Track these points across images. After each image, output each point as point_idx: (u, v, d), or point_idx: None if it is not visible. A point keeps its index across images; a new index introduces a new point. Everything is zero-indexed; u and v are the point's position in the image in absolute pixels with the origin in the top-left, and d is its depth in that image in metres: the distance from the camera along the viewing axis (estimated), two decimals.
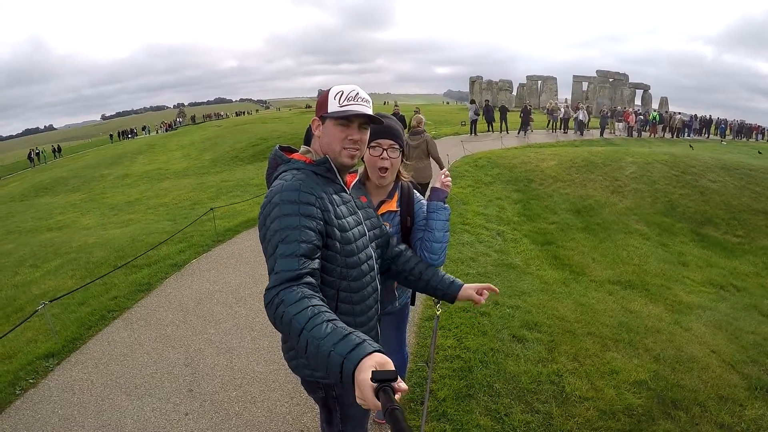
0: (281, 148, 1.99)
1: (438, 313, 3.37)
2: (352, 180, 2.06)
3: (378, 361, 1.20)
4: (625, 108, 37.17)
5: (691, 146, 25.68)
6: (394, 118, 2.44)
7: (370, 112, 1.86)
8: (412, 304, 2.94)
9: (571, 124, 28.44)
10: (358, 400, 1.17)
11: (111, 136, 65.19)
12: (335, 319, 1.38)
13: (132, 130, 66.34)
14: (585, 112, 29.07)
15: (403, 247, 2.29)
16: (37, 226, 14.93)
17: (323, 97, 1.87)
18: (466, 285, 2.22)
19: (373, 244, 2.03)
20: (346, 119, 1.81)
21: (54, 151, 50.93)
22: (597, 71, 52.27)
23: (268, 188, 1.88)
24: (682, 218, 12.79)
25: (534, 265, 7.65)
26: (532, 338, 4.68)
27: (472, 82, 58.24)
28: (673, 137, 32.71)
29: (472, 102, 29.66)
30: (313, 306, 1.41)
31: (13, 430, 3.59)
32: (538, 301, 5.75)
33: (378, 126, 2.14)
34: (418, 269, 2.23)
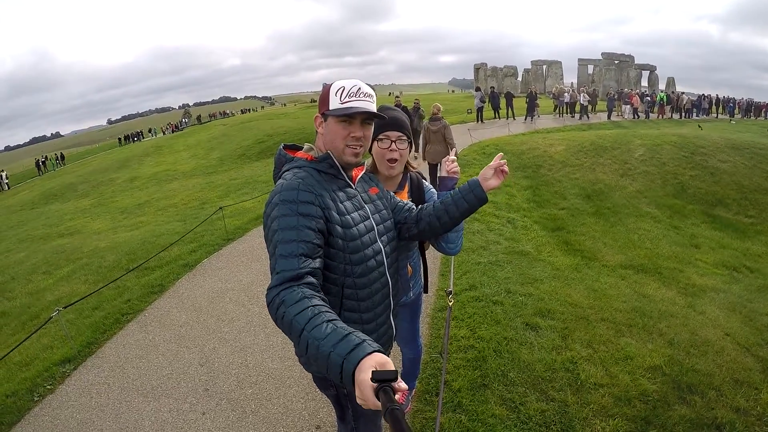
0: (285, 147, 1.99)
1: (450, 304, 3.39)
2: (359, 173, 2.03)
3: (378, 361, 1.20)
4: (630, 90, 36.75)
5: (699, 126, 25.46)
6: (399, 109, 2.43)
7: (372, 107, 1.83)
8: (426, 291, 2.94)
9: (578, 107, 28.24)
10: (358, 400, 1.18)
11: (120, 139, 65.28)
12: (335, 319, 1.38)
13: (139, 133, 66.57)
14: (585, 95, 28.76)
15: (412, 211, 2.17)
16: (48, 233, 14.98)
17: (324, 93, 1.85)
18: (481, 176, 2.08)
19: (384, 238, 1.99)
20: (349, 116, 1.80)
21: (57, 159, 50.70)
22: (602, 54, 51.82)
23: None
24: (693, 200, 12.71)
25: (545, 252, 7.63)
26: (546, 326, 4.67)
27: (477, 69, 57.91)
28: (681, 118, 32.39)
29: (478, 89, 29.51)
30: (313, 306, 1.42)
31: None
32: (551, 287, 5.73)
33: (387, 119, 2.16)
34: (438, 209, 2.08)
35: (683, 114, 32.96)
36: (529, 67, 56.21)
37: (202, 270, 6.91)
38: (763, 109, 39.75)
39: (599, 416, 3.42)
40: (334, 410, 2.35)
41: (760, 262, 9.55)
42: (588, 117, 27.20)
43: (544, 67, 54.92)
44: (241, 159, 24.44)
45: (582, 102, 27.84)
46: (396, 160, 2.35)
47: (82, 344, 4.96)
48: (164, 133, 63.59)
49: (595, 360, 4.14)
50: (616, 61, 50.92)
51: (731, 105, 37.84)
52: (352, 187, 1.93)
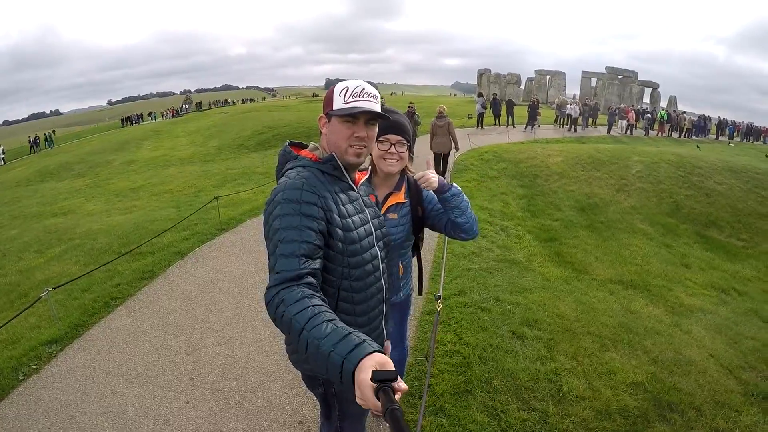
0: (291, 144, 1.99)
1: (439, 308, 3.42)
2: (362, 177, 2.06)
3: (378, 361, 1.21)
4: (626, 105, 36.81)
5: (698, 147, 25.59)
6: (401, 113, 2.46)
7: (376, 107, 1.83)
8: (420, 294, 2.99)
9: (580, 121, 28.33)
10: (358, 400, 1.18)
11: (122, 121, 64.59)
12: (335, 319, 1.39)
13: (139, 116, 66.20)
14: (576, 106, 28.75)
15: None
16: (41, 212, 14.93)
17: (329, 94, 1.86)
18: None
19: (380, 244, 2.02)
20: (352, 116, 1.80)
21: (46, 138, 47.45)
22: (606, 68, 51.93)
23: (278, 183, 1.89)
24: (687, 219, 12.77)
25: (536, 262, 7.66)
26: (532, 336, 4.71)
27: (480, 74, 57.97)
28: (681, 137, 32.60)
29: (480, 95, 29.57)
30: (313, 306, 1.43)
31: (16, 416, 3.64)
32: (539, 298, 5.77)
33: (388, 122, 2.16)
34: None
35: (683, 133, 33.14)
36: (533, 76, 56.26)
37: (193, 258, 6.91)
38: (763, 134, 39.98)
39: (579, 429, 3.46)
40: (318, 407, 2.37)
41: (749, 285, 9.62)
42: (576, 130, 27.14)
43: (548, 77, 55.01)
44: (239, 149, 24.42)
45: (572, 113, 27.84)
46: (395, 158, 2.39)
47: (70, 326, 4.96)
48: (164, 118, 63.38)
49: (579, 373, 4.17)
50: (620, 77, 51.07)
51: (731, 127, 38.07)
52: (354, 190, 1.94)
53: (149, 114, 69.73)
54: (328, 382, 1.97)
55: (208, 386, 3.92)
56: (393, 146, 2.37)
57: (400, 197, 2.50)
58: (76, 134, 62.25)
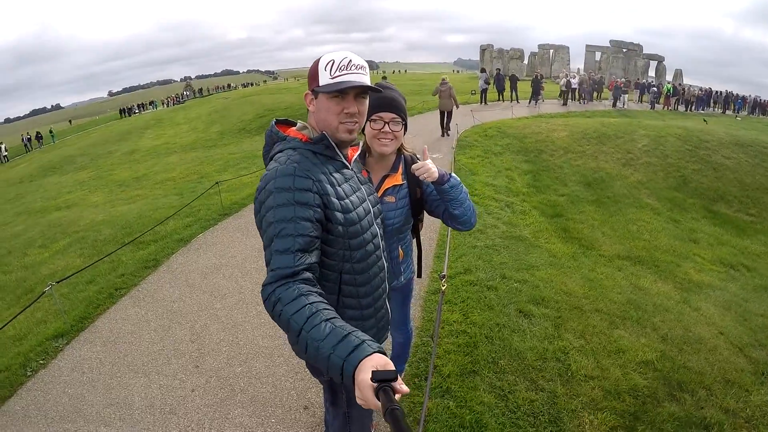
0: (278, 123, 1.90)
1: (443, 288, 3.36)
2: (355, 153, 1.98)
3: (378, 362, 1.20)
4: (616, 78, 36.30)
5: (705, 120, 25.37)
6: (395, 88, 2.34)
7: (366, 80, 1.73)
8: (419, 276, 2.90)
9: (579, 95, 28.41)
10: (358, 400, 1.18)
11: (121, 111, 64.00)
12: (335, 318, 1.36)
13: (141, 105, 65.80)
14: (571, 80, 28.82)
15: None
16: (45, 206, 14.99)
17: (313, 68, 1.74)
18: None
19: (378, 221, 1.97)
20: (341, 92, 1.70)
21: (37, 137, 46.78)
22: (610, 41, 51.37)
23: (266, 167, 1.82)
24: (694, 194, 12.65)
25: (543, 238, 7.58)
26: (539, 314, 4.65)
27: (483, 50, 57.36)
28: (687, 110, 32.29)
29: (483, 71, 29.34)
30: (310, 304, 1.40)
31: (25, 411, 3.64)
32: (546, 275, 5.69)
33: (380, 98, 2.07)
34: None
35: (689, 107, 32.84)
36: (536, 50, 55.67)
37: (196, 245, 6.88)
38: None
39: (588, 409, 3.42)
40: (322, 392, 2.34)
41: (758, 261, 9.53)
42: (581, 101, 27.10)
43: (551, 51, 54.41)
44: (241, 133, 24.37)
45: (562, 87, 27.98)
46: (389, 138, 2.26)
47: (75, 319, 4.95)
48: (165, 106, 63.20)
49: (587, 351, 4.13)
50: (624, 50, 50.51)
51: (739, 101, 37.77)
52: (348, 168, 1.87)
53: (150, 103, 69.36)
54: None
55: (213, 373, 3.90)
56: (387, 125, 2.20)
57: (398, 179, 2.39)
58: (79, 127, 62.24)
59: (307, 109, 1.85)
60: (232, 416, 3.41)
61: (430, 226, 7.14)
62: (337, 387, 2.03)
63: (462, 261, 5.86)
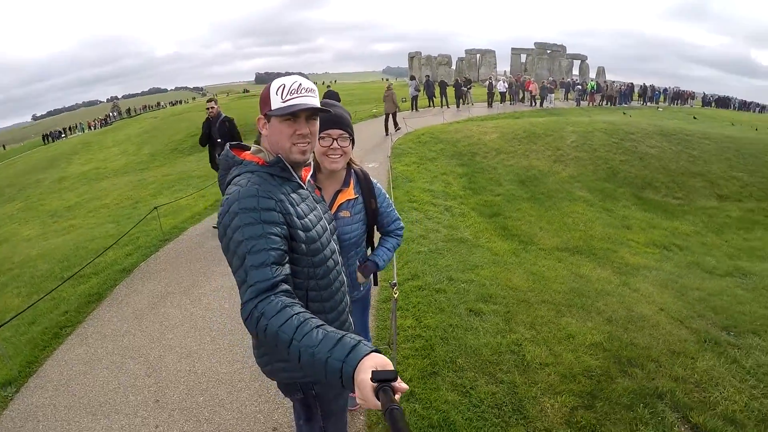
0: (232, 147, 1.92)
1: (395, 296, 3.39)
2: (308, 173, 2.00)
3: (377, 362, 1.22)
4: (531, 78, 37.63)
5: (624, 113, 26.75)
6: (341, 105, 2.38)
7: (315, 102, 1.78)
8: (375, 284, 2.96)
9: (497, 96, 29.42)
10: (358, 400, 1.19)
11: (44, 137, 60.80)
12: (323, 324, 1.38)
13: (64, 130, 62.85)
14: (504, 83, 30.11)
15: None
16: None
17: (265, 93, 1.79)
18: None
19: (334, 237, 2.03)
20: (292, 114, 1.74)
21: None
22: (535, 43, 53.52)
23: (223, 192, 1.83)
24: (624, 183, 13.33)
25: (483, 238, 7.78)
26: (489, 311, 4.78)
27: (411, 57, 58.45)
28: (611, 105, 34.01)
29: (412, 78, 29.87)
30: (296, 314, 1.41)
31: None
32: (491, 273, 5.86)
33: (327, 116, 2.09)
34: None
35: (613, 102, 34.58)
36: (464, 56, 57.16)
37: (139, 274, 6.59)
38: (688, 97, 42.78)
39: (547, 394, 3.53)
40: (289, 411, 2.30)
41: (688, 240, 10.15)
42: (491, 105, 28.16)
43: (478, 55, 56.05)
44: (173, 154, 23.75)
45: (501, 90, 29.23)
46: (339, 154, 2.31)
47: (22, 364, 4.61)
48: (91, 129, 60.75)
49: (539, 341, 4.27)
50: (549, 51, 52.67)
51: (657, 93, 40.27)
52: (304, 188, 1.90)
53: (75, 126, 66.51)
54: (307, 385, 1.94)
55: (176, 406, 3.75)
56: (335, 141, 2.28)
57: (350, 193, 2.44)
58: (2, 155, 58.88)
59: (259, 133, 1.89)
60: None
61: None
62: (312, 402, 2.03)
63: (408, 267, 5.93)
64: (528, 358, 3.96)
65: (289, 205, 1.74)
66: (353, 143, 2.39)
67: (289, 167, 1.82)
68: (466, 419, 3.28)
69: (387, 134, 17.07)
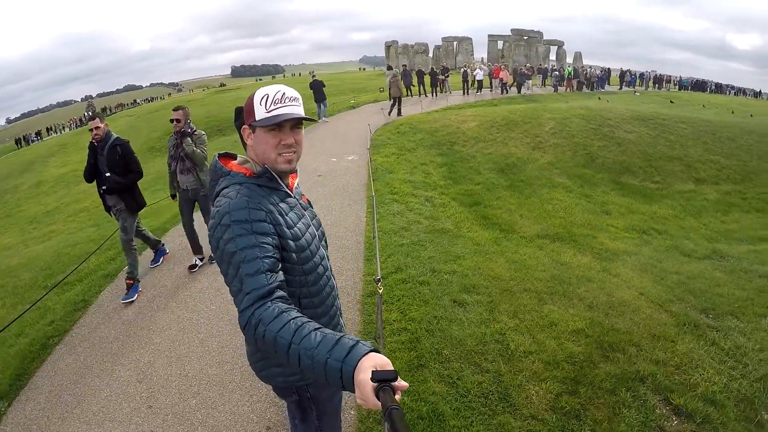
0: (220, 156, 1.95)
1: (380, 291, 3.47)
2: (295, 180, 2.05)
3: (377, 361, 1.24)
4: (499, 64, 37.21)
5: (600, 98, 27.11)
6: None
7: (300, 111, 1.83)
8: None
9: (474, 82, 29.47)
10: (358, 400, 1.21)
11: (16, 141, 58.98)
12: (320, 327, 1.41)
13: (38, 133, 61.43)
14: (480, 71, 30.22)
15: None
16: None
17: (249, 103, 1.82)
18: None
19: (323, 243, 2.08)
20: (277, 125, 1.78)
21: None
22: (512, 29, 53.66)
23: (212, 202, 1.86)
24: (602, 169, 13.50)
25: (465, 228, 7.85)
26: (472, 301, 4.88)
27: (388, 46, 58.28)
28: (589, 90, 34.48)
29: (389, 68, 29.94)
30: (293, 319, 1.43)
31: None
32: (473, 263, 5.96)
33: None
34: None
35: (591, 87, 34.95)
36: (440, 43, 57.14)
37: (124, 278, 6.56)
38: (665, 81, 43.66)
39: (532, 381, 3.65)
40: (283, 410, 2.34)
41: (667, 224, 10.36)
42: (466, 93, 28.27)
43: (455, 43, 56.09)
44: (151, 152, 23.51)
45: (477, 77, 29.15)
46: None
47: (12, 377, 4.60)
48: (69, 129, 59.70)
49: (522, 329, 4.38)
50: (525, 37, 52.89)
51: (634, 78, 40.95)
52: (291, 196, 1.94)
53: (52, 128, 65.09)
54: (302, 387, 1.99)
55: (169, 410, 3.79)
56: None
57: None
58: None
59: (244, 144, 1.90)
60: None
61: (355, 228, 7.23)
62: (307, 404, 2.07)
63: (392, 260, 6.01)
64: (512, 346, 4.08)
65: (279, 216, 1.78)
66: None
67: (277, 177, 1.86)
68: (454, 409, 3.39)
69: (390, 115, 19.47)
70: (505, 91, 28.65)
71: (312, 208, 2.13)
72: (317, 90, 19.55)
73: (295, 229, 1.84)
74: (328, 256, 2.10)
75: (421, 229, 7.27)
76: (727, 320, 4.98)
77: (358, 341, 1.31)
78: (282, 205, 1.84)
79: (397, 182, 9.94)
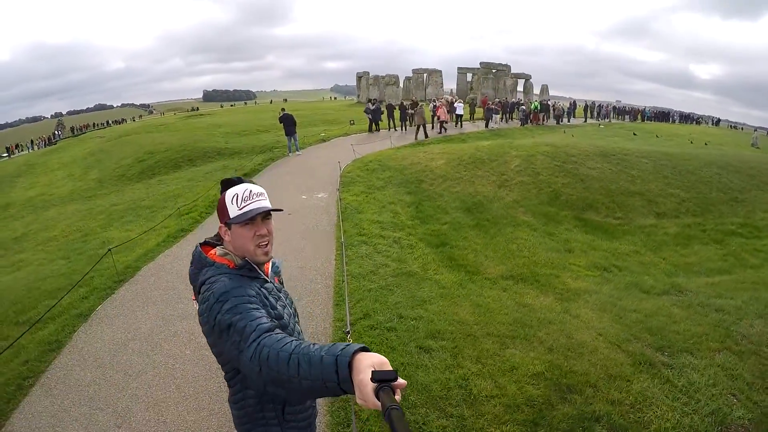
0: (202, 245, 2.19)
1: (348, 338, 3.75)
2: (269, 267, 2.30)
3: (376, 361, 1.31)
4: (435, 100, 34.83)
5: (565, 132, 28.05)
6: None
7: (267, 203, 2.10)
8: None
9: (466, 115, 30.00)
10: (358, 400, 1.27)
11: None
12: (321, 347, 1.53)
13: (8, 149, 59.77)
14: (460, 104, 30.79)
15: None
16: None
17: (221, 203, 2.10)
18: None
19: (296, 319, 2.33)
20: (251, 219, 2.04)
21: None
22: (480, 63, 54.94)
23: (196, 287, 2.10)
24: (566, 206, 14.00)
25: (431, 270, 8.15)
26: (438, 347, 5.19)
27: (359, 77, 59.14)
28: (557, 123, 36.20)
29: (372, 101, 30.49)
30: (298, 342, 1.58)
31: None
32: (439, 308, 6.28)
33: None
34: None
35: (558, 120, 36.38)
36: (411, 75, 58.09)
37: (97, 319, 6.63)
38: (629, 113, 45.78)
39: (493, 425, 3.97)
40: None
41: (627, 260, 10.82)
42: (441, 132, 26.96)
43: (425, 75, 57.18)
44: (121, 180, 23.27)
45: (457, 111, 29.54)
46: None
47: None
48: (37, 147, 58.57)
49: (485, 374, 4.70)
50: (494, 70, 54.22)
51: (602, 109, 42.77)
52: (269, 282, 2.20)
53: (16, 146, 63.74)
54: None
55: None
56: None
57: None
58: None
59: (221, 240, 2.17)
60: None
61: (325, 272, 7.48)
62: None
63: (360, 306, 6.29)
64: (474, 391, 4.38)
65: (264, 299, 2.03)
66: None
67: (255, 267, 2.11)
68: None
69: (416, 139, 23.64)
70: (442, 130, 26.53)
71: (284, 287, 2.39)
72: (288, 123, 19.89)
73: (277, 311, 2.09)
74: (300, 330, 2.34)
75: (389, 272, 7.57)
76: (682, 357, 5.29)
77: (350, 344, 1.43)
78: (263, 290, 2.09)
79: (365, 222, 10.24)
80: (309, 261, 8.12)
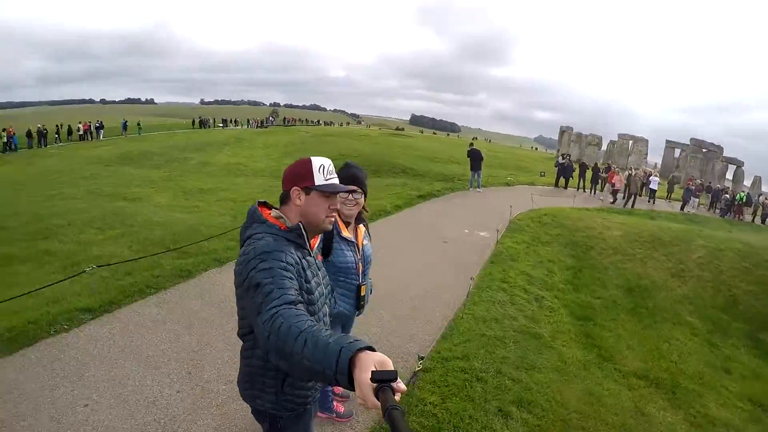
0: (260, 204, 2.21)
1: (418, 368, 3.66)
2: (316, 241, 2.29)
3: (377, 360, 1.27)
4: (611, 166, 31.35)
5: None
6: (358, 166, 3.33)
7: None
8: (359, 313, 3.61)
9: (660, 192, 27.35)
10: (358, 400, 1.24)
11: (195, 122, 65.09)
12: (334, 333, 1.50)
13: (212, 120, 68.59)
14: (656, 178, 27.70)
15: None
16: (113, 193, 16.35)
17: (306, 169, 2.09)
18: None
19: (327, 300, 2.31)
20: (334, 193, 2.10)
21: (138, 126, 51.66)
22: (691, 139, 50.12)
23: (241, 241, 2.12)
24: (742, 317, 11.88)
25: (560, 340, 7.35)
26: (519, 417, 4.60)
27: (562, 132, 57.19)
28: (763, 223, 29.74)
29: (563, 156, 29.52)
30: (311, 321, 1.58)
31: (38, 360, 4.49)
32: (546, 379, 5.60)
33: (350, 176, 3.09)
34: None
35: (764, 219, 30.47)
36: (616, 139, 54.85)
37: (229, 268, 7.30)
38: None
39: None
40: None
41: None
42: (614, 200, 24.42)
43: (630, 142, 53.37)
44: None
45: (652, 186, 26.82)
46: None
47: (105, 301, 5.72)
48: (249, 127, 66.45)
49: None
50: (704, 150, 49.12)
51: None
52: (311, 255, 2.18)
53: (233, 121, 73.05)
54: (274, 417, 2.17)
55: (201, 383, 4.39)
56: (350, 194, 3.17)
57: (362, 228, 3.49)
58: (167, 126, 65.86)
59: (282, 202, 2.17)
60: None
61: (448, 304, 7.18)
62: (277, 428, 2.22)
63: (464, 346, 5.86)
64: None
65: (301, 270, 2.01)
66: (366, 194, 3.35)
67: (305, 235, 2.09)
68: None
69: (624, 207, 22.76)
70: (614, 200, 24.16)
71: (324, 269, 2.37)
72: (474, 158, 19.80)
73: (311, 284, 2.09)
74: (327, 312, 2.31)
75: (514, 326, 6.98)
76: None
77: (359, 339, 1.38)
78: (303, 261, 2.06)
79: (513, 271, 9.71)
80: (439, 289, 7.88)
